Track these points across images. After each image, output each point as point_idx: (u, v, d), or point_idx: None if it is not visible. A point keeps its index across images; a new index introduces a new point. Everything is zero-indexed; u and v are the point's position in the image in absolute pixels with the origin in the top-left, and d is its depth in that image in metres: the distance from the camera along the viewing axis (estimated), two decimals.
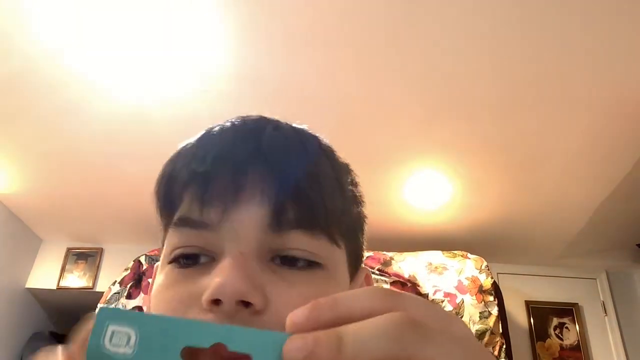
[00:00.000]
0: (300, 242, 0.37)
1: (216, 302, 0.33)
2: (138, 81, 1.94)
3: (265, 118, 0.43)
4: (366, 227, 0.48)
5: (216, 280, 0.33)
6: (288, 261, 0.37)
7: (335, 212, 0.40)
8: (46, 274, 3.06)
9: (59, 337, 3.06)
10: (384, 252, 2.53)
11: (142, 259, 2.63)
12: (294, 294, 0.35)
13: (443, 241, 2.69)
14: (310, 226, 0.37)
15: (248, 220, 0.36)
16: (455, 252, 2.51)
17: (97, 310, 0.25)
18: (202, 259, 0.37)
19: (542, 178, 2.40)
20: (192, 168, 0.38)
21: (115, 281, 2.60)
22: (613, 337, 2.96)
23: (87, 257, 3.10)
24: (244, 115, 0.43)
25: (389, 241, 2.73)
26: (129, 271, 2.60)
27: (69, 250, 3.12)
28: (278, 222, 0.36)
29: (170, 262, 0.38)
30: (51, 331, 3.13)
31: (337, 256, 0.40)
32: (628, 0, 1.54)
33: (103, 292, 2.62)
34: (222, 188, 0.37)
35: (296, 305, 0.34)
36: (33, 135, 2.27)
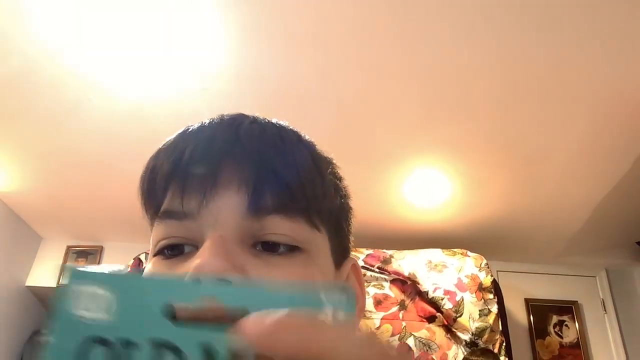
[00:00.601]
0: (279, 226, 0.37)
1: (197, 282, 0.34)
2: (138, 80, 1.94)
3: (243, 114, 0.44)
4: (352, 220, 0.48)
5: (196, 261, 0.34)
6: (269, 247, 0.37)
7: (314, 197, 0.40)
8: (46, 272, 3.07)
9: None
10: (384, 250, 2.54)
11: (142, 257, 2.64)
12: (275, 276, 0.36)
13: (443, 239, 2.69)
14: (287, 210, 0.38)
15: (226, 207, 0.37)
16: (455, 250, 2.51)
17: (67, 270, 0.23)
18: (187, 249, 0.38)
19: (542, 176, 2.40)
20: (172, 161, 0.39)
21: None
22: (612, 335, 2.96)
23: (87, 255, 3.11)
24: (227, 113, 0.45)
25: (389, 239, 2.74)
26: (129, 269, 2.61)
27: (69, 248, 3.12)
28: (256, 207, 0.37)
29: (155, 255, 0.39)
30: None
31: (318, 241, 0.40)
32: (629, 1, 1.54)
33: None
34: (201, 178, 0.38)
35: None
36: (33, 134, 2.27)
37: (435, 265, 2.43)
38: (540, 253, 3.05)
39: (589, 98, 1.93)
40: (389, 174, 2.44)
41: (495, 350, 2.17)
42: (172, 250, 0.38)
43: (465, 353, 2.12)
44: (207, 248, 0.35)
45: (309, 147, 0.45)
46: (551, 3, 1.58)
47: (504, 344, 2.21)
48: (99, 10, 1.67)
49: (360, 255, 2.50)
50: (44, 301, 3.16)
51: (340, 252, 0.45)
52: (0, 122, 2.22)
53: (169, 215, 0.39)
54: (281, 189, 0.38)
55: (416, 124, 2.13)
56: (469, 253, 2.48)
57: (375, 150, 2.28)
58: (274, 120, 0.45)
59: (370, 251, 2.52)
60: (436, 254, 2.49)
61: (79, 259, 3.10)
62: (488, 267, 2.42)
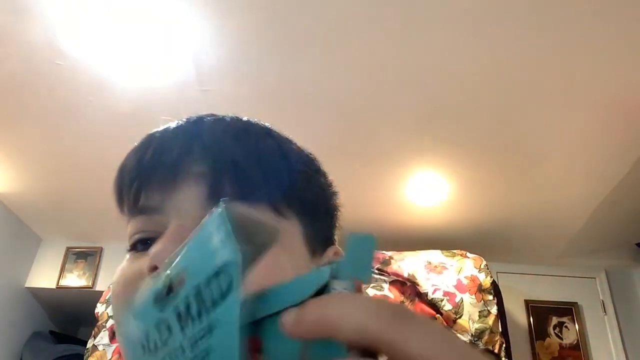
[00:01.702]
0: None
1: (155, 269, 0.35)
2: (138, 81, 1.94)
3: (212, 113, 0.46)
4: (338, 213, 0.49)
5: (153, 249, 0.35)
6: None
7: (279, 184, 0.41)
8: (46, 273, 3.06)
9: (59, 336, 3.06)
10: (383, 251, 2.53)
11: None
12: None
13: (442, 240, 2.69)
14: (248, 197, 0.39)
15: (187, 198, 0.39)
16: (455, 251, 2.51)
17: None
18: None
19: (541, 177, 2.40)
20: (137, 160, 0.42)
21: None
22: (612, 337, 2.96)
23: (86, 256, 3.10)
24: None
25: (389, 240, 2.73)
26: None
27: (68, 249, 3.12)
28: (215, 195, 0.38)
29: (129, 251, 0.41)
30: (51, 330, 3.13)
31: (284, 228, 0.41)
32: (629, 1, 1.54)
33: (103, 292, 2.62)
34: (164, 173, 0.40)
35: None
36: (33, 135, 2.27)
37: (435, 266, 2.43)
38: (540, 254, 3.04)
39: (588, 99, 1.93)
40: (388, 175, 2.44)
41: (496, 352, 2.17)
42: (143, 245, 0.40)
43: None
44: (165, 236, 0.36)
45: (279, 140, 0.45)
46: (551, 4, 1.58)
47: (504, 345, 2.21)
48: (99, 11, 1.67)
49: None
50: (43, 302, 3.16)
51: (320, 242, 0.45)
52: (0, 122, 2.22)
53: (138, 211, 0.41)
54: (240, 177, 0.39)
55: (416, 125, 2.13)
56: (468, 254, 2.48)
57: (375, 151, 2.28)
58: (243, 118, 0.46)
59: None
60: (436, 255, 2.49)
61: (79, 260, 3.09)
62: (488, 269, 2.42)
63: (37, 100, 2.05)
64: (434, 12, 1.62)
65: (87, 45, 1.80)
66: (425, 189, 2.52)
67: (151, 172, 0.40)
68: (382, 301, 0.21)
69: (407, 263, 2.47)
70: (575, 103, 1.95)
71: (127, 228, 0.43)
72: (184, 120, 0.45)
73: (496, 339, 2.21)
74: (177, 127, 0.44)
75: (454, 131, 2.14)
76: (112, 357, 2.37)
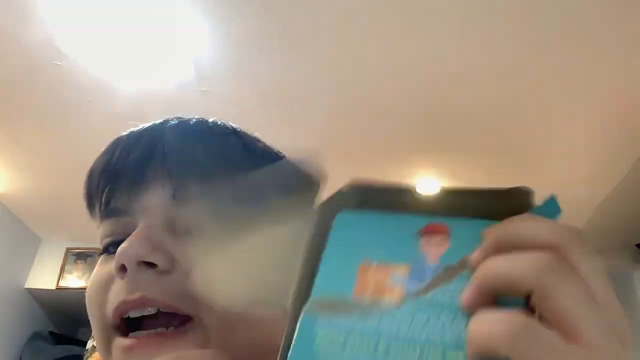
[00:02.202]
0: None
1: (123, 268, 0.35)
2: (138, 81, 1.94)
3: (175, 117, 0.47)
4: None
5: (119, 248, 0.36)
6: None
7: (240, 182, 0.41)
8: (45, 274, 3.06)
9: (58, 337, 3.06)
10: None
11: None
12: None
13: None
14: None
15: (153, 198, 0.39)
16: None
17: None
18: None
19: (541, 178, 2.40)
20: (104, 164, 0.43)
21: None
22: None
23: (86, 257, 3.10)
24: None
25: None
26: None
27: (68, 250, 3.12)
28: (180, 195, 0.39)
29: (101, 254, 0.42)
30: (50, 331, 3.13)
31: None
32: (628, 2, 1.54)
33: None
34: (130, 175, 0.40)
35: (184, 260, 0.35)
36: (33, 135, 2.27)
37: None
38: None
39: (588, 100, 1.93)
40: (388, 176, 2.43)
41: None
42: (114, 247, 0.40)
43: None
44: (131, 235, 0.37)
45: (244, 138, 0.46)
46: (551, 6, 1.58)
47: None
48: (100, 11, 1.67)
49: None
50: (43, 303, 3.15)
51: None
52: (0, 123, 2.22)
53: (107, 214, 0.41)
54: (204, 176, 0.39)
55: (415, 126, 2.13)
56: None
57: (374, 152, 2.28)
58: (209, 120, 0.47)
59: None
60: None
61: (78, 261, 3.09)
62: None
63: (37, 101, 2.05)
64: (434, 12, 1.62)
65: (86, 46, 1.80)
66: (425, 190, 2.51)
67: (118, 175, 0.41)
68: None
69: None
70: (575, 104, 1.95)
71: (98, 232, 0.44)
72: (149, 124, 0.46)
73: None
74: (142, 130, 0.44)
75: (454, 132, 2.13)
76: None
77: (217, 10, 1.65)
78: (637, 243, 2.85)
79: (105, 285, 0.38)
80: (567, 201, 2.51)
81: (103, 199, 0.42)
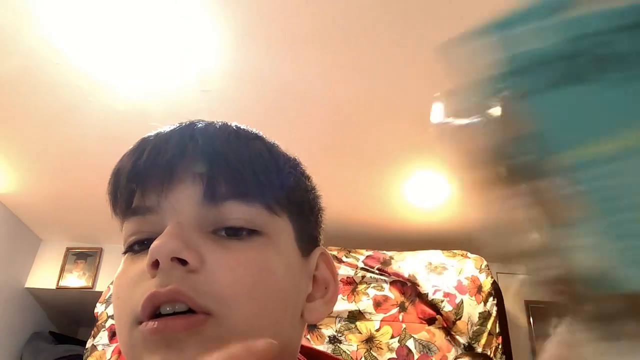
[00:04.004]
0: (235, 211, 0.40)
1: (155, 264, 0.36)
2: (138, 81, 1.94)
3: (200, 119, 0.47)
4: (322, 216, 0.51)
5: (152, 244, 0.37)
6: (229, 232, 0.40)
7: (270, 185, 0.43)
8: (45, 273, 3.06)
9: (59, 337, 3.06)
10: (384, 252, 2.53)
11: None
12: (229, 257, 0.38)
13: (443, 240, 2.69)
14: (243, 195, 0.40)
15: (183, 198, 0.40)
16: (455, 251, 2.51)
17: None
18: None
19: None
20: (132, 162, 0.43)
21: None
22: None
23: (86, 256, 3.10)
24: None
25: (389, 240, 2.73)
26: None
27: (68, 250, 3.12)
28: (211, 195, 0.40)
29: (125, 252, 0.42)
30: (51, 331, 3.13)
31: (278, 225, 0.42)
32: None
33: (102, 292, 2.62)
34: (159, 174, 0.41)
35: (230, 267, 0.36)
36: (33, 135, 2.27)
37: (435, 267, 2.43)
38: None
39: None
40: (388, 175, 2.44)
41: (492, 354, 2.16)
42: (140, 246, 0.41)
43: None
44: (164, 232, 0.37)
45: (267, 144, 0.47)
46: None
47: (501, 347, 2.21)
48: (100, 10, 1.67)
49: (360, 257, 2.49)
50: (43, 302, 3.16)
51: (307, 241, 0.46)
52: None
53: (133, 212, 0.42)
54: (234, 176, 0.41)
55: (416, 125, 2.13)
56: (469, 254, 2.48)
57: (375, 151, 2.28)
58: (233, 123, 0.48)
59: (370, 252, 2.51)
60: (436, 256, 2.49)
61: (78, 261, 3.09)
62: (488, 269, 2.42)
63: (37, 101, 2.05)
64: (435, 12, 1.62)
65: (86, 46, 1.80)
66: (425, 190, 2.52)
67: (147, 174, 0.41)
68: None
69: (407, 263, 2.47)
70: None
71: (121, 230, 0.44)
72: (177, 124, 0.46)
73: (493, 341, 2.21)
74: (171, 131, 0.45)
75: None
76: (111, 357, 2.37)
77: (218, 10, 1.66)
78: None
79: (134, 283, 0.38)
80: None
81: (129, 197, 0.42)
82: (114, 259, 3.00)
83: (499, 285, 2.46)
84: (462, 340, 2.18)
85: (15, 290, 2.97)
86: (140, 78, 1.92)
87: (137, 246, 0.41)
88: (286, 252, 0.43)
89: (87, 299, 2.81)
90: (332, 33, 1.73)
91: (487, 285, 2.33)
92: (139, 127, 2.25)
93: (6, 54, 1.83)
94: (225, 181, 0.40)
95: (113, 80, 1.93)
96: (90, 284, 3.00)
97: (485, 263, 2.43)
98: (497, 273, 2.85)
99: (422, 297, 2.32)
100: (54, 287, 3.01)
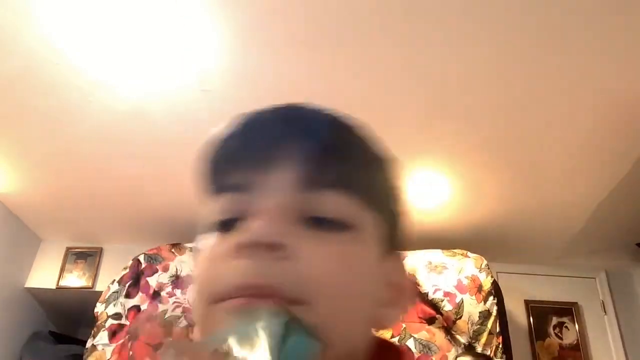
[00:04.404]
0: (331, 201, 0.39)
1: (248, 245, 0.36)
2: (138, 82, 1.93)
3: (302, 103, 0.46)
4: (406, 223, 0.49)
5: (250, 225, 0.36)
6: (319, 222, 0.38)
7: (370, 179, 0.42)
8: (45, 273, 3.06)
9: (59, 337, 3.06)
10: None
11: (141, 258, 2.63)
12: (320, 248, 0.37)
13: (443, 240, 2.69)
14: (341, 186, 0.39)
15: (280, 181, 0.39)
16: (455, 250, 2.51)
17: None
18: (239, 224, 0.39)
19: (541, 177, 2.40)
20: (229, 138, 0.42)
21: (114, 280, 2.60)
22: (612, 337, 2.96)
23: (86, 256, 3.10)
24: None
25: None
26: (127, 270, 2.60)
27: (68, 249, 3.12)
28: (308, 182, 0.39)
29: (211, 230, 0.41)
30: (50, 331, 3.12)
31: (369, 222, 0.41)
32: (628, 0, 1.54)
33: (102, 292, 2.62)
34: (258, 153, 0.40)
35: (320, 257, 0.36)
36: (33, 135, 2.27)
37: (436, 266, 2.43)
38: (541, 254, 3.04)
39: (588, 100, 1.93)
40: None
41: (492, 353, 2.16)
42: (227, 225, 0.40)
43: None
44: (257, 216, 0.37)
45: (371, 137, 0.47)
46: (551, 6, 1.57)
47: (501, 346, 2.21)
48: (100, 11, 1.66)
49: None
50: (43, 302, 3.15)
51: (390, 243, 0.45)
52: None
53: (226, 188, 0.41)
54: (335, 165, 0.40)
55: (416, 126, 2.13)
56: (469, 254, 2.48)
57: None
58: (339, 112, 0.47)
59: None
60: (436, 255, 2.49)
61: (78, 261, 3.09)
62: (488, 268, 2.42)
63: (37, 101, 2.05)
64: (435, 14, 1.62)
65: (86, 46, 1.80)
66: (425, 190, 2.52)
67: (244, 151, 0.41)
68: None
69: (407, 263, 2.47)
70: (575, 103, 1.95)
71: (205, 207, 0.43)
72: (276, 106, 0.45)
73: (494, 340, 2.21)
74: (272, 111, 0.44)
75: (454, 132, 2.13)
76: (111, 356, 2.37)
77: (218, 10, 1.65)
78: (637, 243, 2.85)
79: (219, 262, 0.37)
80: (567, 201, 2.52)
81: (223, 173, 0.41)
82: (114, 259, 3.00)
83: (499, 284, 2.46)
84: (463, 339, 2.18)
85: (15, 290, 2.96)
86: (140, 78, 1.92)
87: (224, 225, 0.40)
88: (372, 251, 0.41)
89: (87, 298, 2.80)
90: (332, 34, 1.73)
91: (487, 284, 2.33)
92: (139, 127, 2.27)
93: (6, 54, 1.83)
94: (325, 169, 0.39)
95: (113, 80, 1.93)
96: (90, 284, 3.00)
97: (485, 262, 2.43)
98: (497, 272, 2.86)
99: (422, 297, 2.32)
100: (54, 286, 3.01)
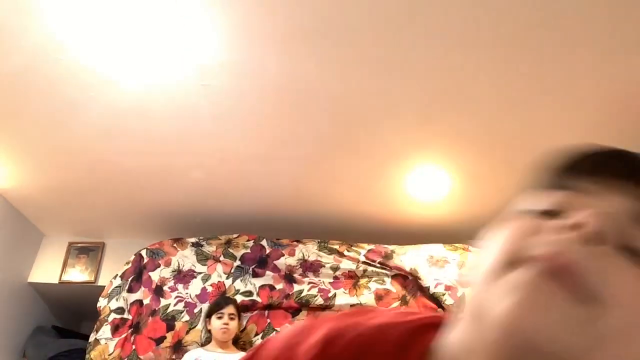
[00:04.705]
0: None
1: (579, 226, 0.37)
2: (139, 77, 1.93)
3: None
4: None
5: (587, 212, 0.38)
6: (632, 254, 0.38)
7: None
8: (48, 268, 3.07)
9: (61, 331, 3.07)
10: (385, 245, 2.54)
11: (143, 253, 2.64)
12: (631, 278, 0.37)
13: (445, 234, 2.69)
14: None
15: (617, 204, 0.41)
16: (457, 245, 2.51)
17: None
18: (564, 214, 0.41)
19: None
20: (592, 155, 0.46)
21: (117, 275, 2.60)
22: None
23: (88, 251, 3.11)
24: None
25: (391, 234, 2.74)
26: (130, 265, 2.61)
27: (70, 244, 3.12)
28: (635, 215, 0.40)
29: (523, 214, 0.44)
30: (53, 325, 3.14)
31: None
32: (628, 3, 1.53)
33: (105, 286, 2.63)
34: (609, 172, 0.43)
35: (630, 285, 0.37)
36: (35, 131, 2.27)
37: (437, 260, 2.43)
38: None
39: (591, 95, 1.92)
40: (390, 170, 2.43)
41: None
42: (546, 214, 0.42)
43: None
44: (595, 213, 0.38)
45: None
46: (550, 3, 1.57)
47: None
48: (101, 7, 1.66)
49: (361, 251, 2.50)
50: (46, 297, 3.17)
51: None
52: (1, 119, 2.22)
53: (567, 188, 0.44)
54: None
55: (417, 120, 2.13)
56: (470, 248, 2.48)
57: (376, 146, 2.28)
58: None
59: (371, 246, 2.51)
60: (438, 249, 2.49)
61: (81, 255, 3.10)
62: None
63: (39, 96, 2.05)
64: (435, 6, 1.62)
65: (88, 42, 1.79)
66: (427, 184, 2.52)
67: (604, 163, 0.44)
68: None
69: (409, 257, 2.47)
70: (577, 98, 1.94)
71: (528, 196, 0.47)
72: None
73: None
74: (621, 150, 0.47)
75: (456, 126, 2.13)
76: (113, 350, 2.38)
77: (218, 6, 1.65)
78: None
79: (533, 232, 0.39)
80: None
81: (577, 172, 0.45)
82: (116, 254, 3.01)
83: None
84: None
85: (18, 285, 2.98)
86: (140, 74, 1.92)
87: (542, 213, 0.42)
88: None
89: (90, 293, 2.81)
90: (333, 29, 1.72)
91: None
92: (140, 122, 2.26)
93: (9, 50, 1.83)
94: None
95: (114, 75, 1.93)
96: (92, 279, 3.01)
97: None
98: None
99: (424, 291, 2.33)
100: (56, 281, 3.02)
